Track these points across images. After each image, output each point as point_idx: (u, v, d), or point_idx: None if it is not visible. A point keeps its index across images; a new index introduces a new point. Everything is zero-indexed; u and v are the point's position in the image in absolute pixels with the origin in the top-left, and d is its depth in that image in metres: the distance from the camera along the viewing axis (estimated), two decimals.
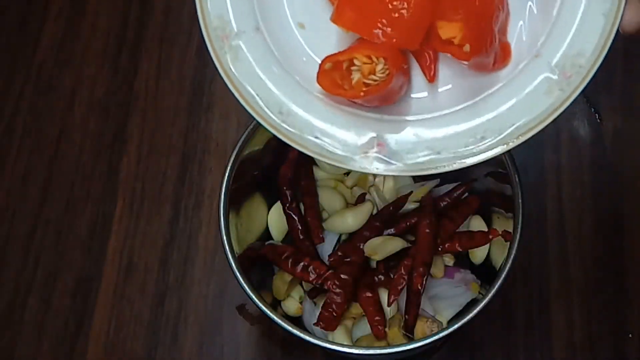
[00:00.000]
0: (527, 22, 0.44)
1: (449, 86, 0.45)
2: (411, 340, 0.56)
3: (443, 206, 0.60)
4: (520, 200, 0.54)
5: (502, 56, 0.44)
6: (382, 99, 0.44)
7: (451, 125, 0.44)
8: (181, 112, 0.77)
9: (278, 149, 0.61)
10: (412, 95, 0.45)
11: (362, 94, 0.42)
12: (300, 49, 0.45)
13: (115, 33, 0.81)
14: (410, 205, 0.61)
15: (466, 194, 0.61)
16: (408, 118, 0.45)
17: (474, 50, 0.41)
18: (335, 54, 0.42)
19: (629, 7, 0.41)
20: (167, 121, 0.77)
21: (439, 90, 0.45)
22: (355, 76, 0.43)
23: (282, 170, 0.61)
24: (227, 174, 0.56)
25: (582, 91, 0.42)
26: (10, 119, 0.78)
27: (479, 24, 0.41)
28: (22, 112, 0.78)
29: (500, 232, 0.57)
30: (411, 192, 0.61)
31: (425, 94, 0.45)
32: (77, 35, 0.81)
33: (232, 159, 0.57)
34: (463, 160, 0.43)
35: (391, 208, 0.60)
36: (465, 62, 0.42)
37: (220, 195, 0.56)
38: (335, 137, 0.44)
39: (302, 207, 0.61)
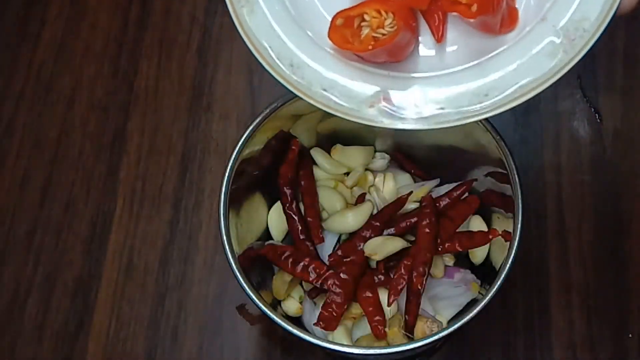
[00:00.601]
0: None
1: (456, 47, 0.46)
2: (411, 340, 0.56)
3: (443, 206, 0.60)
4: (520, 200, 0.54)
5: (509, 20, 0.45)
6: (390, 54, 0.46)
7: (456, 83, 0.46)
8: (181, 112, 0.77)
9: (278, 149, 0.61)
10: (419, 54, 0.47)
11: (370, 47, 0.44)
12: (313, 6, 0.47)
13: (115, 33, 0.81)
14: (410, 205, 0.61)
15: (466, 194, 0.61)
16: (414, 75, 0.46)
17: (481, 9, 0.42)
18: (346, 9, 0.44)
19: None
20: (167, 121, 0.77)
21: (446, 50, 0.47)
22: (365, 31, 0.45)
23: (282, 170, 0.61)
24: (227, 174, 0.56)
25: (584, 56, 0.43)
26: (10, 119, 0.78)
27: None
28: (22, 112, 0.78)
29: (500, 232, 0.57)
30: (411, 192, 0.61)
31: (432, 52, 0.47)
32: (77, 35, 0.81)
33: (232, 159, 0.57)
34: (467, 117, 0.45)
35: (391, 208, 0.60)
36: (472, 20, 0.44)
37: (220, 195, 0.56)
38: (343, 90, 0.46)
39: (302, 207, 0.61)
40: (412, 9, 0.45)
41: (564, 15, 0.44)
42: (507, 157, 0.55)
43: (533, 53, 0.44)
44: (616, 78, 0.75)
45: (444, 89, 0.46)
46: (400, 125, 0.45)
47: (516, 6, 0.45)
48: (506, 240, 0.56)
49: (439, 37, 0.46)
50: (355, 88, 0.46)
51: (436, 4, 0.45)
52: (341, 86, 0.46)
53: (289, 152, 0.61)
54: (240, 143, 0.57)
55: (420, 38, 0.47)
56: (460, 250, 0.59)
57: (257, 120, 0.57)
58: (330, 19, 0.45)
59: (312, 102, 0.46)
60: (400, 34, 0.44)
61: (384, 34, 0.44)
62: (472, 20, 0.44)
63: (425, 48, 0.47)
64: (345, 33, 0.45)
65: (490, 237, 0.58)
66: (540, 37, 0.44)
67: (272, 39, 0.46)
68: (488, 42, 0.45)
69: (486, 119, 0.55)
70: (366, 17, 0.44)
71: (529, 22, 0.45)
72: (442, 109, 0.45)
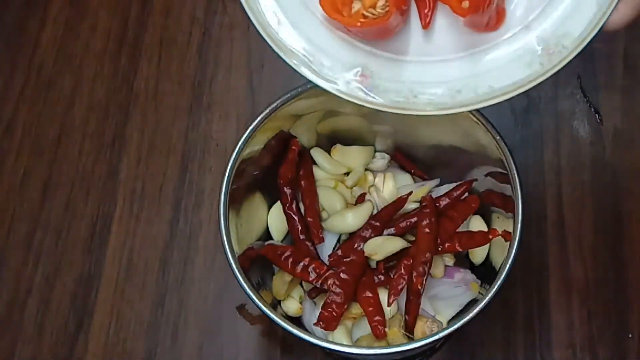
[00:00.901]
0: None
1: (440, 37, 0.46)
2: (411, 340, 0.56)
3: (443, 206, 0.60)
4: (520, 200, 0.54)
5: (496, 19, 0.45)
6: (377, 34, 0.46)
7: (433, 73, 0.46)
8: (181, 112, 0.77)
9: (278, 149, 0.61)
10: (404, 37, 0.47)
11: (358, 24, 0.44)
12: None
13: (115, 33, 0.81)
14: (410, 205, 0.61)
15: (466, 194, 0.61)
16: (396, 57, 0.47)
17: (472, 7, 0.42)
18: None
19: (618, 6, 0.42)
20: (167, 121, 0.77)
21: (430, 38, 0.47)
22: (356, 6, 0.45)
23: (282, 170, 0.61)
24: (227, 174, 0.56)
25: (558, 71, 0.44)
26: (10, 119, 0.78)
27: None
28: (22, 112, 0.78)
29: (500, 232, 0.57)
30: (411, 192, 0.61)
31: (417, 38, 0.47)
32: (77, 35, 0.81)
33: (232, 159, 0.57)
34: (436, 109, 0.46)
35: (391, 208, 0.60)
36: (461, 17, 0.43)
37: (220, 195, 0.56)
38: (324, 57, 0.46)
39: (302, 207, 0.61)
40: None
41: (549, 28, 0.44)
42: (507, 157, 0.55)
43: (511, 59, 0.45)
44: (616, 78, 0.75)
45: (421, 75, 0.46)
46: (370, 105, 0.46)
47: (504, 6, 0.45)
48: (506, 240, 0.56)
49: (426, 24, 0.46)
50: (336, 60, 0.46)
51: None
52: (323, 53, 0.46)
53: (289, 152, 0.61)
54: (240, 143, 0.57)
55: (409, 21, 0.47)
56: (460, 250, 0.59)
57: (257, 120, 0.57)
58: None
59: (290, 62, 0.46)
60: (391, 18, 0.44)
61: (374, 15, 0.44)
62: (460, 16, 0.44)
63: (411, 32, 0.47)
64: (336, 1, 0.45)
65: (491, 237, 0.58)
66: (521, 45, 0.45)
67: None
68: (472, 37, 0.46)
69: (486, 120, 0.55)
70: None
71: (514, 25, 0.45)
72: (414, 96, 0.46)
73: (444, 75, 0.46)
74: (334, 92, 0.46)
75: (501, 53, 0.45)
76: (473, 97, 0.45)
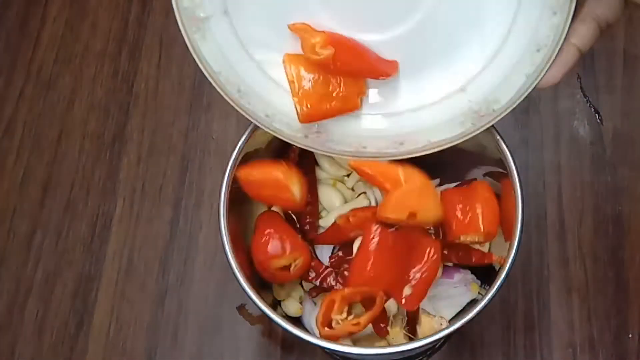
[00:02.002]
0: (467, 57, 0.49)
1: (381, 97, 0.52)
2: (412, 339, 0.56)
3: None
4: (520, 200, 0.54)
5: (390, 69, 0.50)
6: None
7: (377, 127, 0.52)
8: (181, 112, 0.77)
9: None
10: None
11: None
12: (262, 35, 0.49)
13: (115, 33, 0.81)
14: None
15: None
16: (349, 114, 0.52)
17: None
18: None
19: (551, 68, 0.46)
20: (167, 121, 0.77)
21: (371, 99, 0.52)
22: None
23: None
24: (227, 174, 0.56)
25: (487, 128, 0.49)
26: (10, 119, 0.78)
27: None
28: (22, 112, 0.78)
29: (495, 258, 0.57)
30: None
31: (369, 100, 0.52)
32: (77, 35, 0.81)
33: (232, 159, 0.57)
34: (383, 157, 0.51)
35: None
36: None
37: (220, 195, 0.56)
38: (282, 118, 0.51)
39: None
40: None
41: (482, 93, 0.49)
42: (507, 157, 0.55)
43: (446, 118, 0.50)
44: (616, 78, 0.75)
45: (368, 129, 0.52)
46: (327, 153, 0.52)
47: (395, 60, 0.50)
48: (506, 241, 0.56)
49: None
50: (293, 119, 0.50)
51: None
52: (281, 115, 0.51)
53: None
54: (240, 143, 0.57)
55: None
56: (456, 262, 0.59)
57: None
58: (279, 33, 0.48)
59: (256, 123, 0.51)
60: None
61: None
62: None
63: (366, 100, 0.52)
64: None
65: (486, 261, 0.57)
66: (456, 105, 0.50)
67: (222, 65, 0.49)
68: (410, 97, 0.51)
69: None
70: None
71: (450, 85, 0.50)
72: (364, 147, 0.51)
73: (387, 131, 0.51)
74: (296, 144, 0.52)
75: (438, 112, 0.50)
76: (414, 149, 0.51)
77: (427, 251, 0.52)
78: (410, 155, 0.51)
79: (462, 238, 0.54)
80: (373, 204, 0.62)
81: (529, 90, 0.47)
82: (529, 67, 0.47)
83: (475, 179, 0.61)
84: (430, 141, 0.50)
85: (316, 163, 0.63)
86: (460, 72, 0.49)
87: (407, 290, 0.52)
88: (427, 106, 0.51)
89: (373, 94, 0.52)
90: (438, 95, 0.50)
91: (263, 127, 0.51)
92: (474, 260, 0.57)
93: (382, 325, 0.56)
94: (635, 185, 0.71)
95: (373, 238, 0.51)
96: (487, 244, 0.60)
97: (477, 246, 0.56)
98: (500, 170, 0.56)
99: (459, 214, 0.56)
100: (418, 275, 0.52)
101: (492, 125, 0.56)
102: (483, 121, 0.49)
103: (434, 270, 0.52)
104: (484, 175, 0.60)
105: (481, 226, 0.55)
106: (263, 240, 0.54)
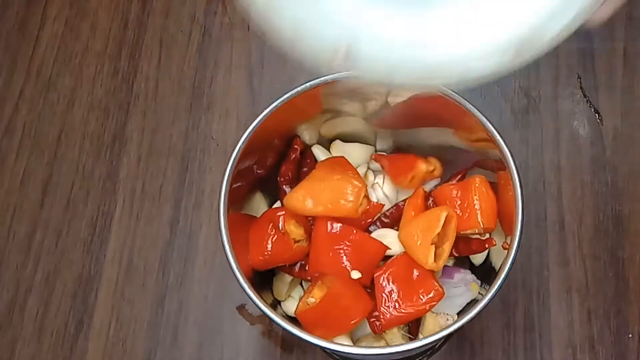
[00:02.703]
0: None
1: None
2: (411, 340, 0.56)
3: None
4: (520, 200, 0.54)
5: None
6: None
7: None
8: (181, 112, 0.77)
9: (280, 147, 0.61)
10: None
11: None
12: None
13: (115, 33, 0.81)
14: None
15: None
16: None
17: None
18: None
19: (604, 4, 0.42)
20: (167, 121, 0.77)
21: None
22: None
23: (284, 169, 0.61)
24: (227, 174, 0.56)
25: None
26: (10, 119, 0.78)
27: None
28: (22, 112, 0.78)
29: (495, 242, 0.57)
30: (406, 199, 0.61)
31: None
32: (77, 35, 0.81)
33: (232, 159, 0.57)
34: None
35: (393, 210, 0.60)
36: None
37: (220, 195, 0.56)
38: (311, 31, 0.43)
39: None
40: None
41: (530, 24, 0.42)
42: (507, 157, 0.55)
43: (490, 48, 0.43)
44: (616, 78, 0.75)
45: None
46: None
47: None
48: (504, 249, 0.56)
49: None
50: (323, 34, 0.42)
51: None
52: (311, 26, 0.42)
53: (291, 151, 0.61)
54: (240, 143, 0.57)
55: None
56: (457, 255, 0.59)
57: (257, 120, 0.57)
58: None
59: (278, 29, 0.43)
60: None
61: None
62: None
63: None
64: None
65: (487, 245, 0.57)
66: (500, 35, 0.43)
67: None
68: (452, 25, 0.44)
69: (486, 120, 0.55)
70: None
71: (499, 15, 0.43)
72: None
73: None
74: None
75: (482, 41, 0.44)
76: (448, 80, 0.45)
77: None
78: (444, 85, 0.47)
79: (462, 232, 0.55)
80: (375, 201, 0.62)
81: (577, 24, 0.42)
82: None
83: (471, 167, 0.61)
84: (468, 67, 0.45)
85: (316, 162, 0.63)
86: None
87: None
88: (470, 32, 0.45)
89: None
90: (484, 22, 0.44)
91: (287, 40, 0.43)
92: (473, 248, 0.57)
93: (377, 323, 0.56)
94: (635, 185, 0.71)
95: None
96: (486, 234, 0.60)
97: (476, 236, 0.57)
98: (501, 170, 0.56)
99: (457, 210, 0.56)
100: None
101: (492, 125, 0.56)
102: (526, 54, 0.43)
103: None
104: (480, 167, 0.61)
105: (480, 222, 0.55)
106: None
